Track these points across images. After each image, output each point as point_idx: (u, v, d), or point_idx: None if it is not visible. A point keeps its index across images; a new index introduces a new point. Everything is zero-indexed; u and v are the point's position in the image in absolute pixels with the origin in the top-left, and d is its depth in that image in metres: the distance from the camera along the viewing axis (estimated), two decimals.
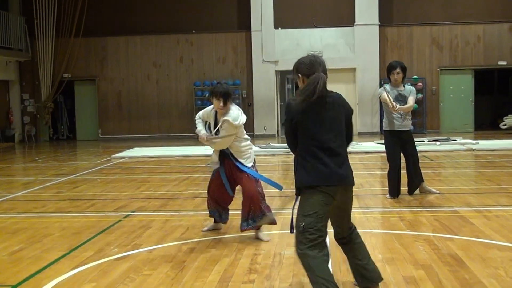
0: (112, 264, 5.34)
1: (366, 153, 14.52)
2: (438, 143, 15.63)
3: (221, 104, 5.83)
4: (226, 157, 6.03)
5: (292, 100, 3.91)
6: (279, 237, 6.13)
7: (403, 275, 4.79)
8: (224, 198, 6.22)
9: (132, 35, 21.84)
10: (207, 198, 6.36)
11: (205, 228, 6.50)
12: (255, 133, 21.28)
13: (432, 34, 21.33)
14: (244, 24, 21.55)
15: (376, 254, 5.43)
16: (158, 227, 6.77)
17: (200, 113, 6.25)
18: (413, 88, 8.28)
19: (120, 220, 7.20)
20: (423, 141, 16.08)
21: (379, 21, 20.94)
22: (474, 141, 15.81)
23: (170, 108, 21.88)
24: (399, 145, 8.12)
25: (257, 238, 6.01)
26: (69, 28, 21.59)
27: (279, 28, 21.34)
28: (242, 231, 6.04)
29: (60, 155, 17.09)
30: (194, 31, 21.82)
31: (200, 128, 6.12)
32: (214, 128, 5.99)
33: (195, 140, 20.66)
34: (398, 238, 5.96)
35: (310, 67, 3.91)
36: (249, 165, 5.98)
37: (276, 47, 21.31)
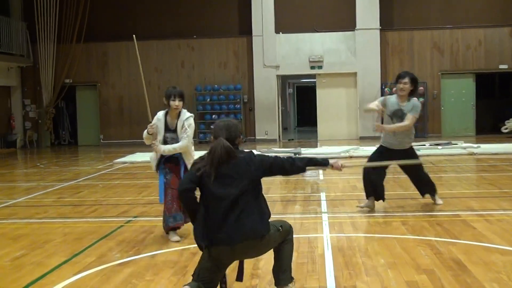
0: (114, 269, 5.34)
1: (367, 157, 14.47)
2: (439, 147, 15.63)
3: (177, 103, 6.28)
4: (172, 161, 6.39)
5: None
6: None
7: (405, 279, 4.79)
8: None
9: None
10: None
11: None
12: (256, 137, 21.30)
13: (433, 38, 21.34)
14: (245, 29, 21.58)
15: (379, 258, 5.43)
16: (160, 232, 6.76)
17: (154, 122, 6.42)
18: (418, 105, 7.31)
19: (122, 226, 7.20)
20: (425, 145, 16.08)
21: (380, 26, 20.96)
22: (475, 145, 15.81)
23: None
24: (386, 159, 7.18)
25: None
26: (70, 33, 21.62)
27: (280, 33, 21.35)
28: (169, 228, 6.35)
29: (61, 160, 17.09)
30: (195, 36, 21.85)
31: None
32: (166, 131, 6.35)
33: (196, 145, 20.70)
34: (400, 243, 5.95)
35: (216, 132, 4.20)
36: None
37: (277, 52, 21.32)
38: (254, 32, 21.27)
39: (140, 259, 5.68)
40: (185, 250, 5.95)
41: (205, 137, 21.52)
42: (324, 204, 8.29)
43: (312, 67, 21.32)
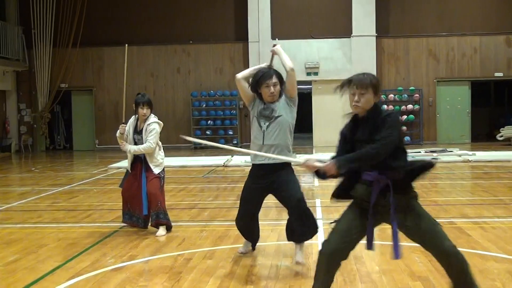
0: (108, 275, 5.32)
1: None
2: (434, 154, 15.64)
3: (144, 111, 6.89)
4: (138, 160, 6.98)
5: None
6: (275, 248, 6.11)
7: (400, 286, 4.78)
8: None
9: (129, 46, 21.75)
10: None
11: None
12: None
13: (428, 46, 21.40)
14: (241, 35, 21.59)
15: (373, 265, 5.42)
16: (154, 238, 6.75)
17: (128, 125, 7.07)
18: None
19: (116, 231, 7.18)
20: (420, 152, 16.10)
21: (376, 33, 21.00)
22: (470, 153, 15.83)
23: (166, 119, 21.74)
24: (261, 190, 5.47)
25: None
26: (66, 38, 21.59)
27: (276, 39, 21.28)
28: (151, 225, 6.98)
29: (56, 165, 17.04)
30: (191, 42, 21.85)
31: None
32: (134, 133, 6.97)
33: (192, 150, 20.70)
34: None
35: None
36: (157, 171, 6.90)
37: (273, 58, 21.29)
38: (250, 38, 21.29)
39: (134, 264, 5.66)
40: (179, 255, 5.93)
41: (200, 144, 21.46)
42: (319, 211, 8.28)
43: (308, 74, 21.32)
